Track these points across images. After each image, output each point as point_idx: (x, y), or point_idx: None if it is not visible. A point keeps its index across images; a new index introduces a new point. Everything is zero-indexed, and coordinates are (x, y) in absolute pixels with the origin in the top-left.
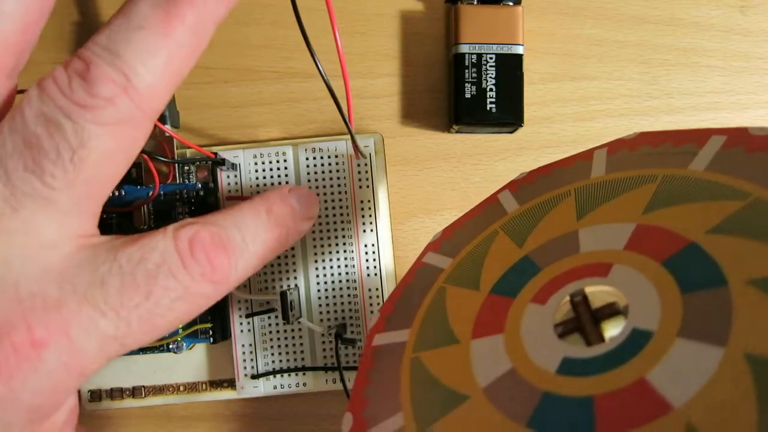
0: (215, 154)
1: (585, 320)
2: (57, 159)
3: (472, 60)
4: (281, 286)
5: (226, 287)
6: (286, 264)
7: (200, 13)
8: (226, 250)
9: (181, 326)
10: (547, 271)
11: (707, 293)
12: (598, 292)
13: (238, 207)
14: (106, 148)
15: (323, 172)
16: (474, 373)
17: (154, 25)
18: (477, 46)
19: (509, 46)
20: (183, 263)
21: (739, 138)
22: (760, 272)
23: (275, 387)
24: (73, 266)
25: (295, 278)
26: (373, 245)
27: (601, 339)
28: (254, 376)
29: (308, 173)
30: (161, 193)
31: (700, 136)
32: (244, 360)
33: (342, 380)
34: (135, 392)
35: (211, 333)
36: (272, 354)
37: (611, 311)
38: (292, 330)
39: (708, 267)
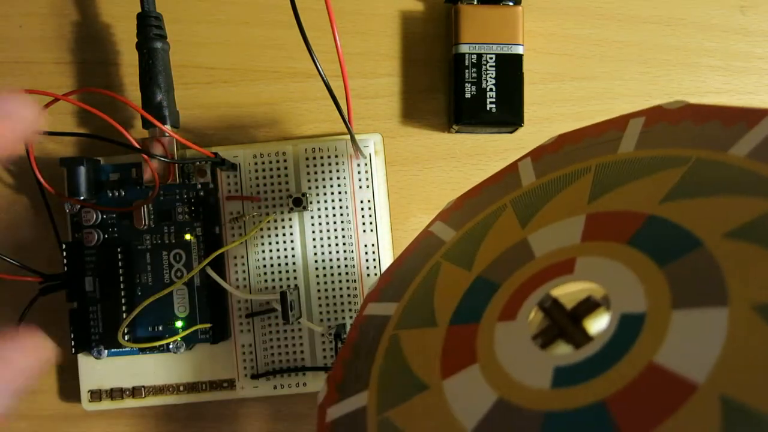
0: (215, 154)
1: (564, 323)
2: None
3: (472, 60)
4: (281, 286)
5: None
6: (286, 264)
7: None
8: None
9: (181, 326)
10: (506, 286)
11: (686, 259)
12: (569, 294)
13: None
14: None
15: (323, 172)
16: (456, 416)
17: None
18: (477, 46)
19: (509, 46)
20: None
21: (658, 115)
22: (730, 224)
23: (275, 387)
24: None
25: (295, 278)
26: (373, 245)
27: (588, 338)
28: (254, 376)
29: (308, 173)
30: (161, 193)
31: (619, 122)
32: (244, 360)
33: None
34: (135, 392)
35: (211, 333)
36: (272, 354)
37: (589, 306)
38: (292, 330)
39: (676, 233)
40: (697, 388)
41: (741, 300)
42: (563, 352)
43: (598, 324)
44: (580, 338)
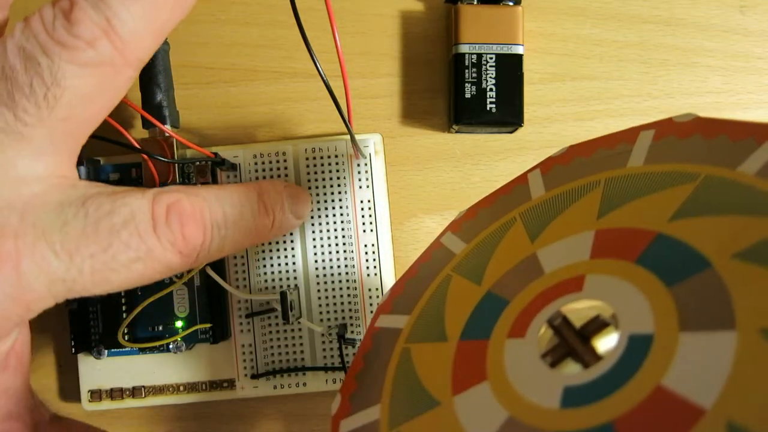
0: (215, 154)
1: (573, 342)
2: (30, 94)
3: (472, 60)
4: (281, 286)
5: (191, 262)
6: (286, 264)
7: None
8: (203, 226)
9: (181, 326)
10: (515, 302)
11: (694, 280)
12: (578, 310)
13: (230, 186)
14: (82, 89)
15: (323, 172)
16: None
17: None
18: (477, 46)
19: (509, 46)
20: (153, 226)
21: (668, 128)
22: (739, 245)
23: (275, 387)
24: (40, 203)
25: (295, 278)
26: (373, 245)
27: (597, 357)
28: (254, 376)
29: (308, 173)
30: None
31: (629, 134)
32: (244, 360)
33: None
34: (135, 392)
35: (211, 333)
36: (272, 354)
37: (598, 325)
38: (292, 330)
39: (685, 253)
40: (705, 413)
41: (748, 324)
42: (572, 371)
43: (606, 344)
44: (590, 357)
